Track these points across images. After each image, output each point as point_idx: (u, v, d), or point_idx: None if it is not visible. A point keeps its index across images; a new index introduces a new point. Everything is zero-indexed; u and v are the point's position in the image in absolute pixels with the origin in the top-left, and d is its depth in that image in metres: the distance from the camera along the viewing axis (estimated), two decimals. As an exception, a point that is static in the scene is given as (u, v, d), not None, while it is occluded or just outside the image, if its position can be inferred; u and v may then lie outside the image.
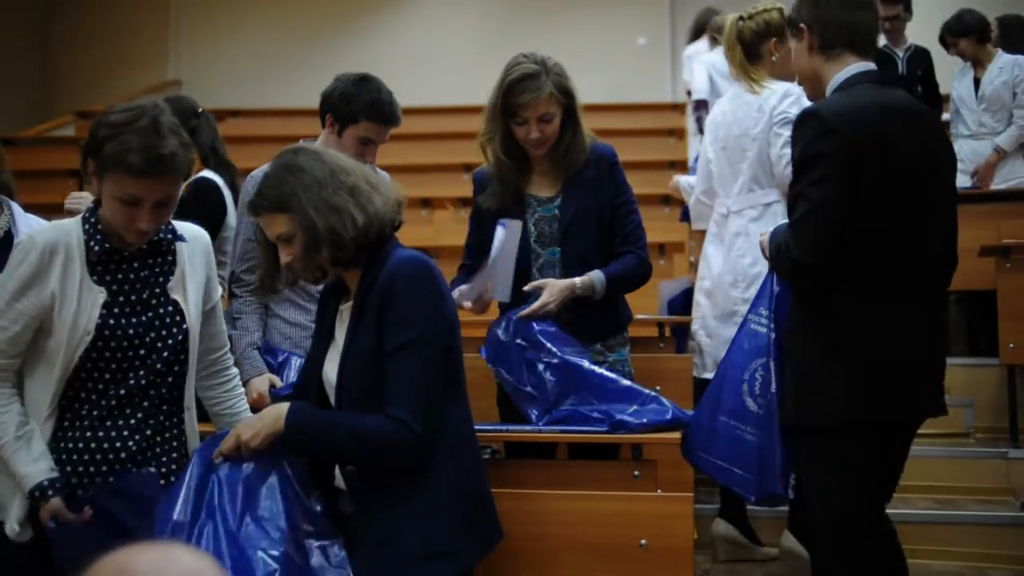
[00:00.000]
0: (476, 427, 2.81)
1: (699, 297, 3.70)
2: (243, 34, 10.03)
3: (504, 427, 2.77)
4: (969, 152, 5.53)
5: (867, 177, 2.26)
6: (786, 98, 3.43)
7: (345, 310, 2.27)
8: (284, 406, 2.15)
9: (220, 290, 2.38)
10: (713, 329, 3.60)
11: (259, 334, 3.01)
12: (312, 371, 2.31)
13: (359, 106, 2.96)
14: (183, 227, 2.28)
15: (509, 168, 2.90)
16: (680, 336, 4.11)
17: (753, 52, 3.52)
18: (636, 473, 2.58)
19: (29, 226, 2.75)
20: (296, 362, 2.96)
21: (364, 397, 2.14)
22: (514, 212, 2.90)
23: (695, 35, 7.04)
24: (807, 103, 2.66)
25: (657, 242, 4.74)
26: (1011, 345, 4.21)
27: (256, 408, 2.91)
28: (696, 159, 6.10)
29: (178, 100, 3.54)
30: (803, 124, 2.35)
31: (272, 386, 2.91)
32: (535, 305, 2.77)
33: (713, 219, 3.70)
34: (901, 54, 5.64)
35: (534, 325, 2.75)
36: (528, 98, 2.78)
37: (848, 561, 2.41)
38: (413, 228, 4.96)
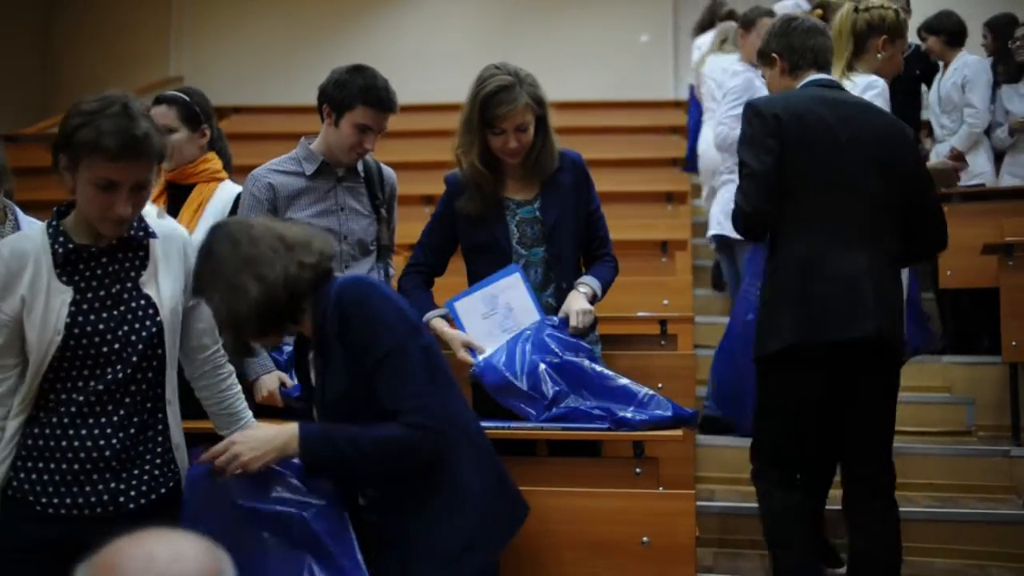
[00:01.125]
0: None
1: None
2: (245, 31, 10.02)
3: (505, 424, 2.76)
4: (934, 157, 5.54)
5: (787, 145, 2.76)
6: (870, 89, 3.42)
7: (312, 359, 2.27)
8: (292, 428, 2.12)
9: None
10: None
11: (263, 331, 3.01)
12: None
13: (354, 91, 2.96)
14: (158, 224, 2.29)
15: (487, 177, 2.95)
16: None
17: (861, 45, 3.52)
18: (638, 470, 2.58)
19: (34, 230, 2.74)
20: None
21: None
22: (494, 216, 2.98)
23: (703, 28, 7.03)
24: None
25: (660, 239, 4.73)
26: (1013, 343, 4.21)
27: (266, 406, 2.91)
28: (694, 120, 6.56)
29: (199, 93, 3.41)
30: (743, 112, 2.89)
31: (282, 384, 2.90)
32: (577, 321, 2.86)
33: None
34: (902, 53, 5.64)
35: (547, 327, 2.84)
36: (506, 109, 2.85)
37: (772, 491, 2.82)
38: (414, 224, 4.94)
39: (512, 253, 2.98)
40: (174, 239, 2.30)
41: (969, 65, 5.43)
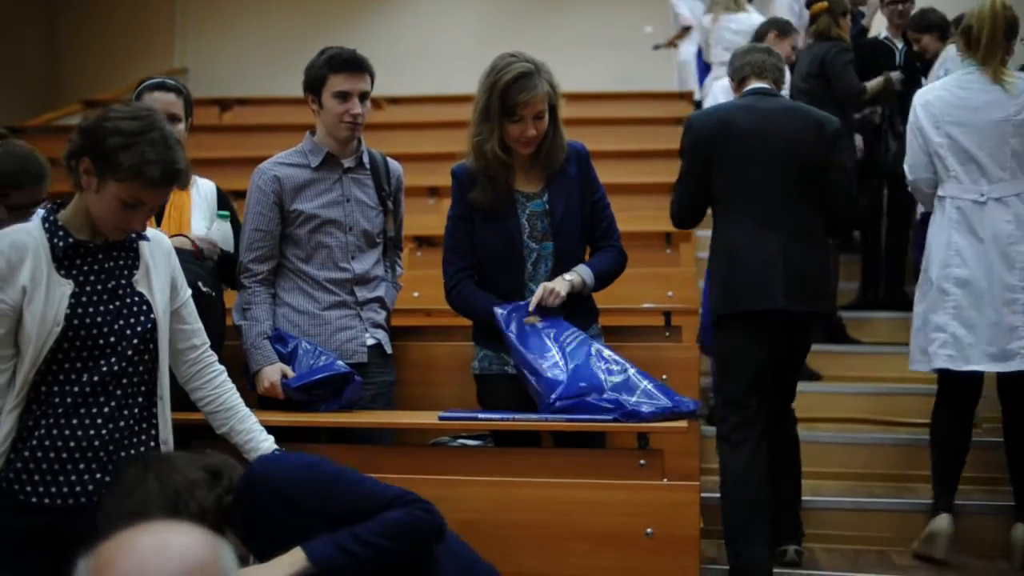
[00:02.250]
0: (481, 415, 2.82)
1: (948, 286, 3.51)
2: (249, 23, 10.02)
3: (510, 416, 2.76)
4: None
5: (715, 156, 3.34)
6: None
7: (257, 568, 2.05)
8: (296, 551, 2.00)
9: (189, 290, 2.44)
10: (974, 319, 3.45)
11: (269, 323, 3.02)
12: None
13: (321, 66, 3.02)
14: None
15: (506, 164, 2.93)
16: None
17: (1005, 43, 3.54)
18: (642, 462, 2.59)
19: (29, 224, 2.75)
20: (306, 348, 2.97)
21: None
22: (506, 209, 2.96)
23: None
24: None
25: (664, 231, 4.72)
26: (1019, 335, 4.19)
27: (269, 397, 2.92)
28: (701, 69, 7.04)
29: (184, 85, 3.39)
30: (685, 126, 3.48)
31: (283, 376, 2.91)
32: (542, 293, 2.85)
33: (955, 205, 3.53)
34: (901, 46, 5.64)
35: (537, 324, 2.85)
36: (528, 96, 2.84)
37: (727, 432, 3.27)
38: (419, 216, 4.96)
39: (523, 248, 2.96)
40: (160, 244, 2.37)
41: (951, 58, 5.40)
